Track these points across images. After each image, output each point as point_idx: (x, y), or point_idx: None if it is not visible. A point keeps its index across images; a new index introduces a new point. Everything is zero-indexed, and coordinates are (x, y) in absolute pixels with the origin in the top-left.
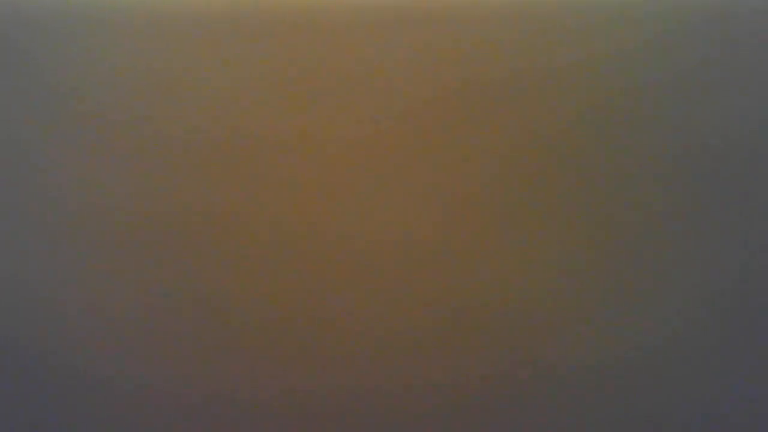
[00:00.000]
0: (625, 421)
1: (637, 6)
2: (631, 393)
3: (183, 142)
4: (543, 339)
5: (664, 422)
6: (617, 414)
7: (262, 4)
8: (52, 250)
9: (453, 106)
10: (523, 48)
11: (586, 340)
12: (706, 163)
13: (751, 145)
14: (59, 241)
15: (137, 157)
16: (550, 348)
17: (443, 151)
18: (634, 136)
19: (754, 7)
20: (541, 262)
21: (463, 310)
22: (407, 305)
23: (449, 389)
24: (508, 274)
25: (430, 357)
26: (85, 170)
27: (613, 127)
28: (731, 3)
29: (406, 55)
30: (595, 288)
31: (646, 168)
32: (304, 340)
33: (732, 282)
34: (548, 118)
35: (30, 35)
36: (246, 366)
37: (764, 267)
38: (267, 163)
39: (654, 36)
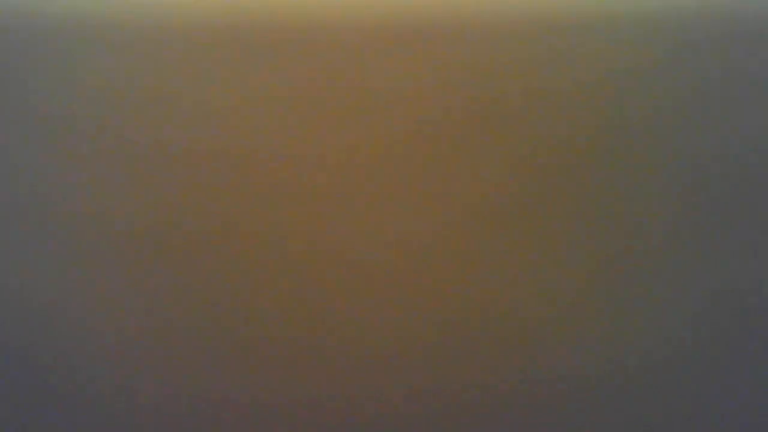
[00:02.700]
0: (626, 423)
1: (648, 25)
2: (634, 398)
3: (186, 154)
4: (548, 344)
5: (664, 425)
6: (619, 420)
7: (274, 18)
8: (55, 259)
9: (461, 119)
10: (532, 64)
11: (589, 345)
12: (709, 172)
13: (754, 154)
14: (63, 251)
15: (142, 168)
16: (553, 353)
17: (449, 163)
18: (638, 147)
19: (762, 25)
20: (547, 269)
21: (468, 316)
22: (412, 311)
23: (452, 392)
24: (513, 281)
25: (435, 361)
26: (89, 182)
27: (618, 139)
28: (741, 22)
29: (415, 70)
30: (598, 294)
31: (650, 178)
32: (308, 345)
33: (734, 287)
34: (554, 131)
35: (30, 51)
36: (248, 371)
37: (765, 271)
38: (273, 172)
39: (660, 55)
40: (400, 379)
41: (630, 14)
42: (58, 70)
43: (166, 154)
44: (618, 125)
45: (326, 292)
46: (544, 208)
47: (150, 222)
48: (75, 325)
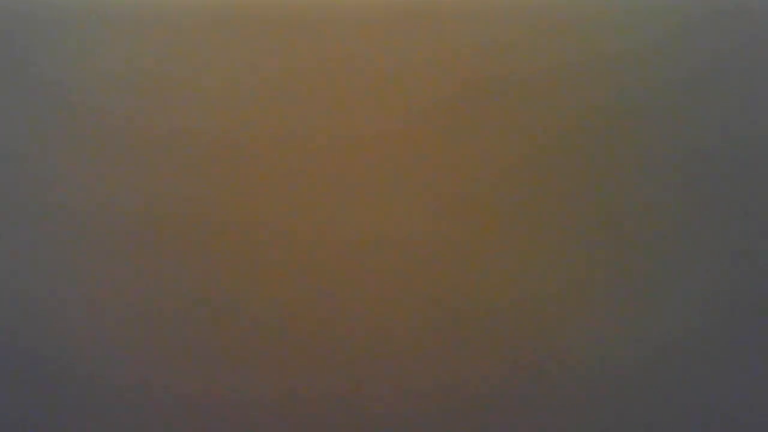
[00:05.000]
0: (625, 422)
1: (644, 6)
2: (632, 394)
3: (183, 143)
4: (543, 340)
5: (664, 423)
6: (617, 415)
7: (262, 1)
8: (52, 251)
9: (455, 106)
10: (526, 48)
11: (586, 341)
12: (709, 165)
13: (754, 146)
14: (59, 242)
15: (138, 157)
16: (550, 349)
17: (445, 152)
18: (637, 137)
19: (760, 7)
20: (543, 263)
21: (465, 311)
22: (409, 306)
23: (449, 390)
24: (511, 275)
25: (432, 357)
26: (86, 171)
27: (618, 128)
28: (737, 3)
29: (409, 54)
30: (596, 289)
31: (648, 169)
32: (305, 340)
33: (734, 283)
34: (551, 118)
35: (29, 35)
36: (245, 367)
37: (766, 268)
38: (268, 164)
39: (659, 37)
40: (399, 376)
41: None
42: (58, 54)
43: (163, 140)
44: (619, 112)
45: (325, 285)
46: (542, 201)
47: (146, 210)
48: (74, 319)
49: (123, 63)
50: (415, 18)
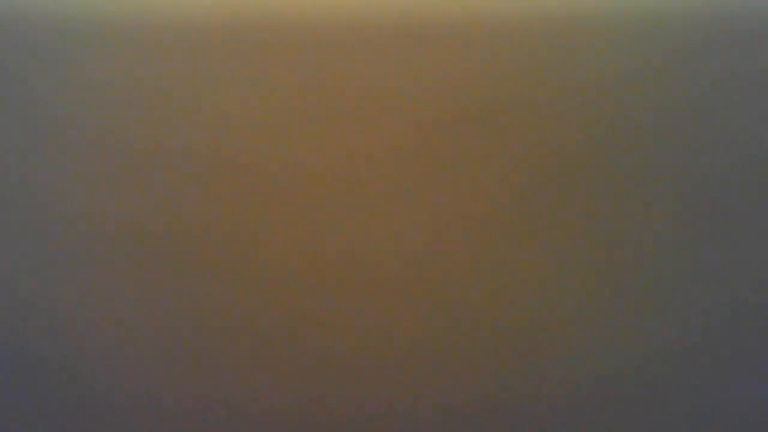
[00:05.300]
0: (625, 424)
1: (652, 26)
2: (631, 398)
3: (185, 157)
4: (547, 349)
5: (664, 425)
6: (616, 418)
7: (274, 17)
8: (55, 260)
9: (461, 125)
10: (532, 70)
11: (587, 347)
12: (711, 176)
13: (755, 159)
14: (61, 251)
15: (141, 172)
16: (553, 357)
17: (450, 168)
18: (641, 150)
19: (762, 30)
20: (547, 273)
21: (468, 320)
22: (413, 315)
23: (451, 393)
24: (514, 285)
25: (434, 362)
26: (89, 181)
27: (620, 146)
28: (749, 24)
29: (417, 75)
30: (597, 298)
31: (652, 182)
32: (308, 350)
33: (733, 289)
34: (555, 136)
35: (27, 51)
36: (248, 373)
37: (765, 275)
38: (270, 178)
39: (661, 59)
40: (403, 382)
41: (632, 16)
42: (57, 69)
43: (164, 154)
44: (621, 128)
45: (324, 296)
46: (547, 211)
47: (148, 221)
48: (71, 324)
49: (124, 79)
50: (423, 41)
